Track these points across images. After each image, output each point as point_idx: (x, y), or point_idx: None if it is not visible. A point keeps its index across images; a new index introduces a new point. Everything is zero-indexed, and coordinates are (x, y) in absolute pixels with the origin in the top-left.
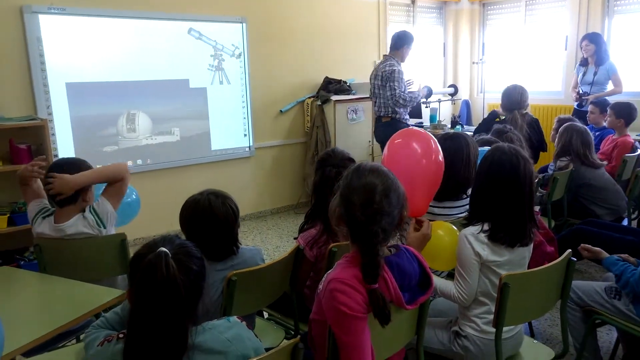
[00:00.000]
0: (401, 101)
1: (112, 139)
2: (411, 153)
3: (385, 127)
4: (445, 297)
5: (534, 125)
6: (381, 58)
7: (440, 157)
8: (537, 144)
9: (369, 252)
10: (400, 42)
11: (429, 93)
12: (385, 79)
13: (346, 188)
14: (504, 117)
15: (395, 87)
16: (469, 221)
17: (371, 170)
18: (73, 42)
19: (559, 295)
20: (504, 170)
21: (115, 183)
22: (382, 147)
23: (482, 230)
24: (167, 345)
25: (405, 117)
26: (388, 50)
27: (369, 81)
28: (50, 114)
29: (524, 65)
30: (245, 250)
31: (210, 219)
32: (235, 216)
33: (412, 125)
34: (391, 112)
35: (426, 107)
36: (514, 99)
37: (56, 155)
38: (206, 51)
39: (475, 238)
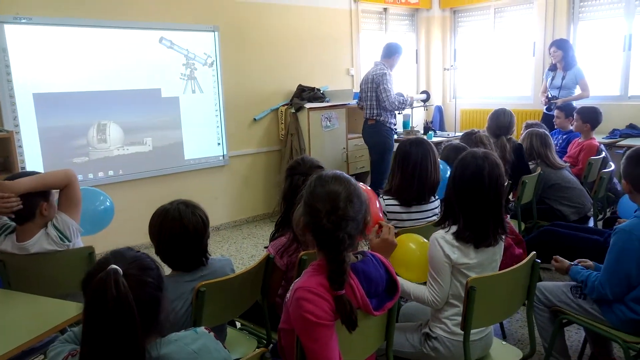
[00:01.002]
0: (397, 103)
1: (83, 150)
2: None
3: (370, 129)
4: (419, 301)
5: (517, 151)
6: (354, 66)
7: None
8: (521, 168)
9: (335, 258)
10: (391, 52)
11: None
12: (376, 82)
13: (310, 196)
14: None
15: (390, 90)
16: (439, 224)
17: (334, 178)
18: (40, 52)
19: (526, 296)
20: (467, 172)
21: (64, 191)
22: (369, 150)
23: (450, 232)
24: None
25: (391, 121)
26: (380, 58)
27: (342, 89)
28: (17, 125)
29: (494, 71)
30: (215, 260)
31: (179, 229)
32: (205, 226)
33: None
34: (376, 114)
35: (399, 113)
36: (502, 123)
37: (23, 168)
38: (178, 60)
39: (445, 241)
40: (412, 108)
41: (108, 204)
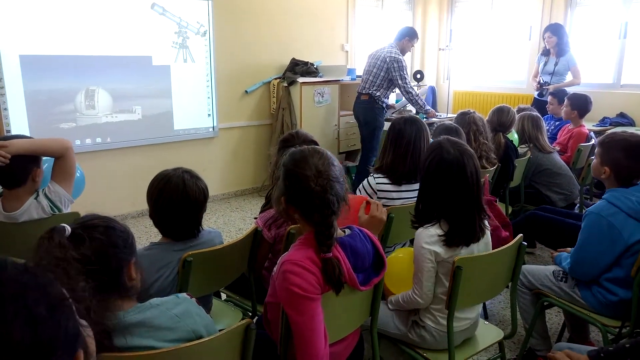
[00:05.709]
0: (413, 92)
1: (70, 116)
2: None
3: (362, 105)
4: (407, 304)
5: (509, 150)
6: (348, 42)
7: None
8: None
9: (324, 222)
10: (404, 35)
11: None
12: (387, 64)
13: (294, 168)
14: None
15: (405, 77)
16: (419, 222)
17: (310, 149)
18: (28, 12)
19: (510, 278)
20: (451, 172)
21: (59, 162)
22: (359, 125)
23: (438, 235)
24: None
25: (384, 100)
26: (393, 40)
27: (336, 64)
28: (2, 87)
29: (489, 54)
30: (204, 232)
31: (181, 197)
32: (204, 198)
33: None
34: (374, 90)
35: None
36: (503, 120)
37: (8, 131)
38: (170, 28)
39: (432, 243)
40: None
41: (78, 174)
